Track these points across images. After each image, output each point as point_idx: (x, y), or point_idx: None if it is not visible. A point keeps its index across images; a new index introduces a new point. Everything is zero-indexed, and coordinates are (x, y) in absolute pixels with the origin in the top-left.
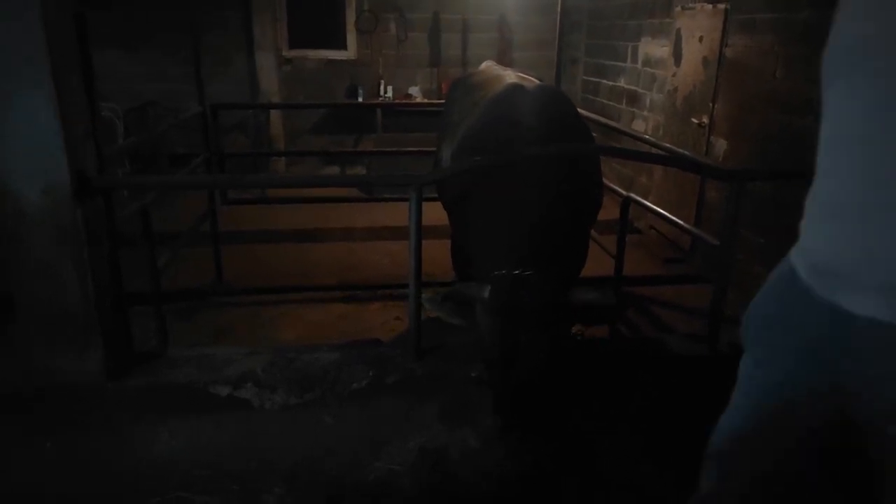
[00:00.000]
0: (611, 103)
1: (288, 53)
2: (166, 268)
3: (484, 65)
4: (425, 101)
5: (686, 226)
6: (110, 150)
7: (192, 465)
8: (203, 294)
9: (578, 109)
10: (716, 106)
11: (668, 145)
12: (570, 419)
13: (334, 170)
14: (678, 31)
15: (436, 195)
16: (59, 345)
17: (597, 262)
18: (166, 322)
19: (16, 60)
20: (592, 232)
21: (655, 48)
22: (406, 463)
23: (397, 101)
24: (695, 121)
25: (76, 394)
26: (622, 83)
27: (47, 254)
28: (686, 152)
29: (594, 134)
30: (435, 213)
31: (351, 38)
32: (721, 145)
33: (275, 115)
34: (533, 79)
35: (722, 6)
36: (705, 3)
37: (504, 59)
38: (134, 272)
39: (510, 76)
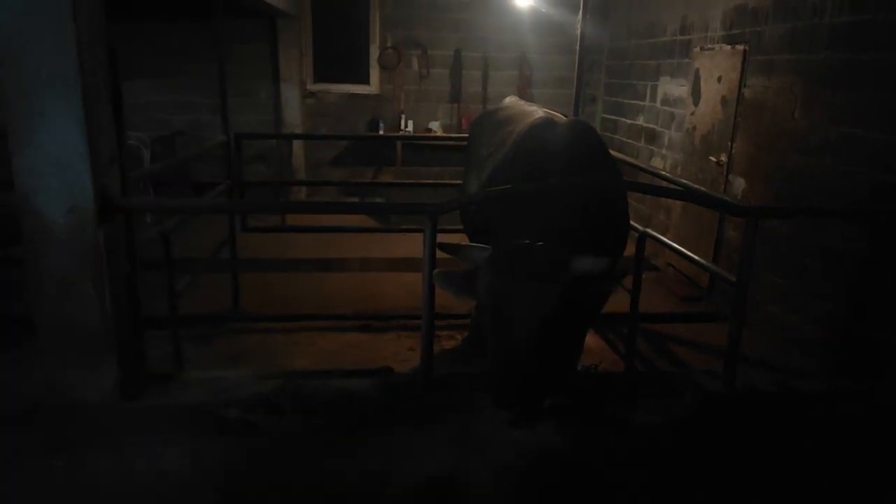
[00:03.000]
0: (630, 141)
1: (312, 87)
2: (184, 292)
3: (508, 100)
4: (445, 135)
5: (703, 262)
6: (135, 174)
7: (199, 486)
8: (219, 319)
9: None
10: (734, 145)
11: (684, 181)
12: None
13: (353, 201)
14: (697, 71)
15: (451, 227)
16: (75, 363)
17: (612, 298)
18: (182, 346)
19: (50, 85)
20: None
21: (674, 87)
22: (414, 492)
23: (418, 135)
24: (713, 159)
25: (89, 412)
26: (641, 122)
27: (68, 272)
28: (703, 189)
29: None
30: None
31: (374, 73)
32: (739, 184)
33: (297, 146)
34: (560, 114)
35: (741, 47)
36: (724, 44)
37: (524, 96)
38: (153, 295)
39: (538, 111)
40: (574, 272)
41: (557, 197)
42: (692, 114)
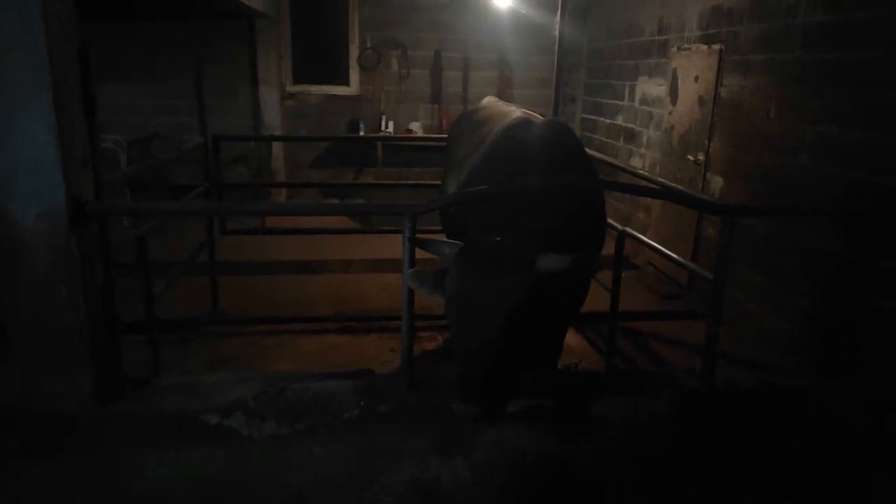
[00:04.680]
0: (609, 141)
1: (291, 88)
2: (162, 296)
3: (486, 100)
4: (426, 135)
5: (681, 260)
6: (109, 177)
7: (179, 494)
8: (198, 323)
9: None
10: (711, 144)
11: (662, 180)
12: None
13: (334, 202)
14: (674, 70)
15: (431, 227)
16: (50, 369)
17: (592, 297)
18: (160, 350)
19: (19, 86)
20: None
21: (652, 87)
22: (396, 494)
23: (398, 135)
24: (691, 158)
25: (65, 419)
26: (620, 121)
27: (41, 277)
28: (681, 187)
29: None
30: None
31: (354, 74)
32: (717, 182)
33: (277, 148)
34: (538, 115)
35: (717, 47)
36: (700, 44)
37: (504, 97)
38: (130, 300)
39: (516, 111)
40: (540, 269)
41: (534, 197)
42: (670, 113)
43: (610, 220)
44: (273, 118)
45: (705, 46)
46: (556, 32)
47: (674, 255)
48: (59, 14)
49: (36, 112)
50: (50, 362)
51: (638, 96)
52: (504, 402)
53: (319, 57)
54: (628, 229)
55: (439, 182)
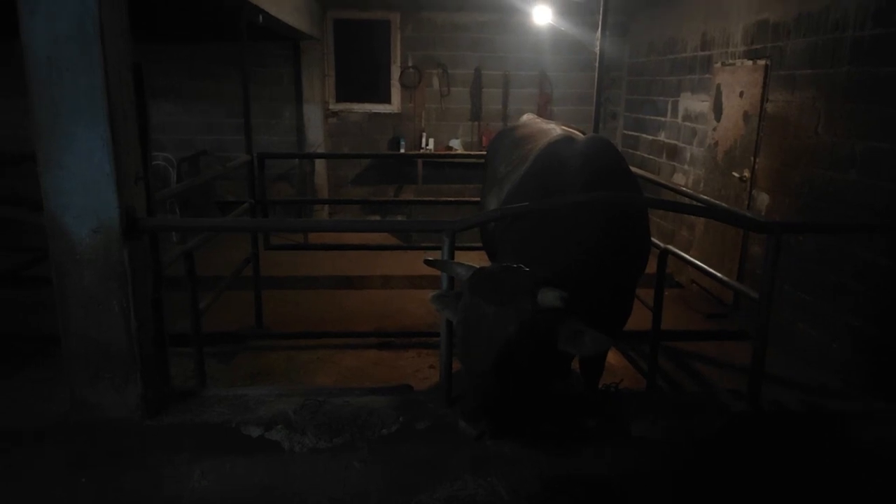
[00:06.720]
0: (651, 157)
1: (334, 106)
2: (208, 310)
3: (525, 117)
4: (465, 152)
5: (725, 279)
6: (160, 194)
7: None
8: (242, 337)
9: None
10: (757, 160)
11: (706, 197)
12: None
13: (375, 219)
14: (718, 86)
15: (471, 244)
16: (99, 380)
17: (634, 315)
18: (205, 363)
19: (76, 103)
20: None
21: (695, 103)
22: None
23: (438, 152)
24: (736, 175)
25: (113, 429)
26: (662, 137)
27: (93, 290)
28: (723, 204)
29: None
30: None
31: (395, 92)
32: (763, 199)
33: (319, 165)
34: (579, 131)
35: (762, 62)
36: (745, 60)
37: (544, 114)
38: (177, 313)
39: (556, 128)
40: (539, 303)
41: (575, 214)
42: (714, 129)
43: (652, 239)
44: (316, 136)
45: (750, 62)
46: (597, 49)
47: (717, 274)
48: (115, 35)
49: (92, 129)
50: (99, 374)
51: (681, 112)
52: (509, 422)
53: (362, 76)
54: (671, 247)
55: (479, 199)
